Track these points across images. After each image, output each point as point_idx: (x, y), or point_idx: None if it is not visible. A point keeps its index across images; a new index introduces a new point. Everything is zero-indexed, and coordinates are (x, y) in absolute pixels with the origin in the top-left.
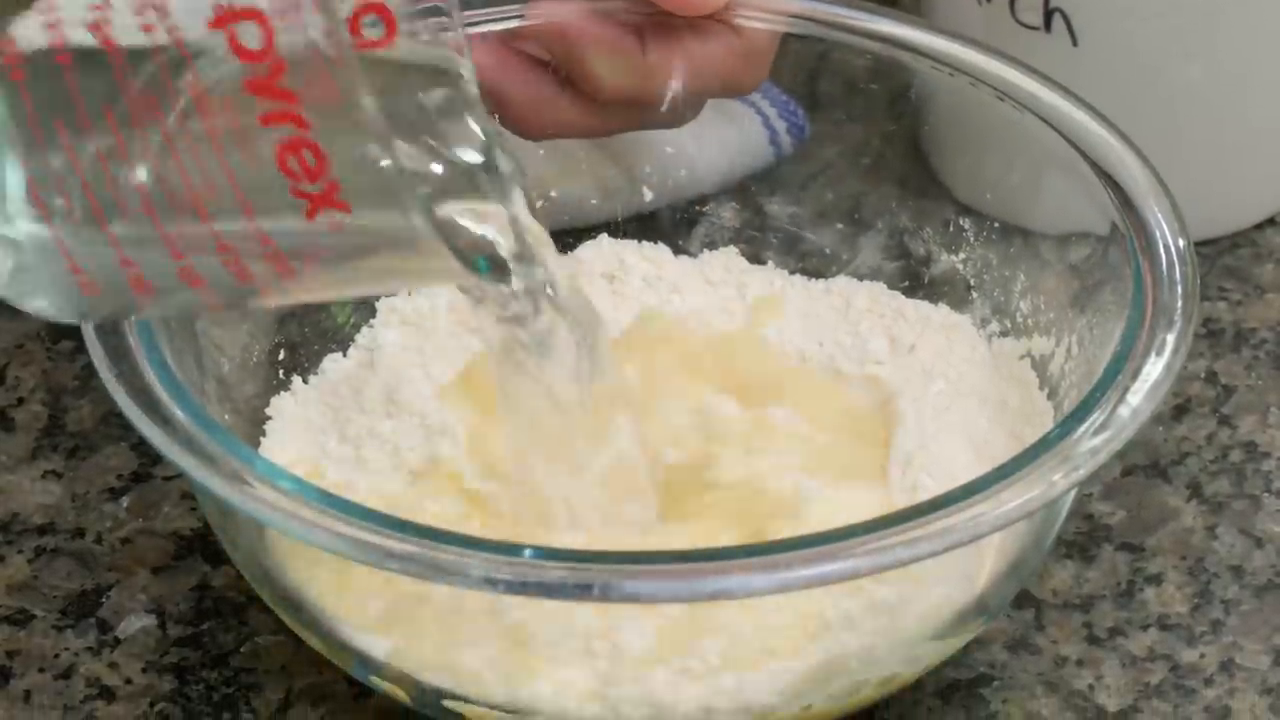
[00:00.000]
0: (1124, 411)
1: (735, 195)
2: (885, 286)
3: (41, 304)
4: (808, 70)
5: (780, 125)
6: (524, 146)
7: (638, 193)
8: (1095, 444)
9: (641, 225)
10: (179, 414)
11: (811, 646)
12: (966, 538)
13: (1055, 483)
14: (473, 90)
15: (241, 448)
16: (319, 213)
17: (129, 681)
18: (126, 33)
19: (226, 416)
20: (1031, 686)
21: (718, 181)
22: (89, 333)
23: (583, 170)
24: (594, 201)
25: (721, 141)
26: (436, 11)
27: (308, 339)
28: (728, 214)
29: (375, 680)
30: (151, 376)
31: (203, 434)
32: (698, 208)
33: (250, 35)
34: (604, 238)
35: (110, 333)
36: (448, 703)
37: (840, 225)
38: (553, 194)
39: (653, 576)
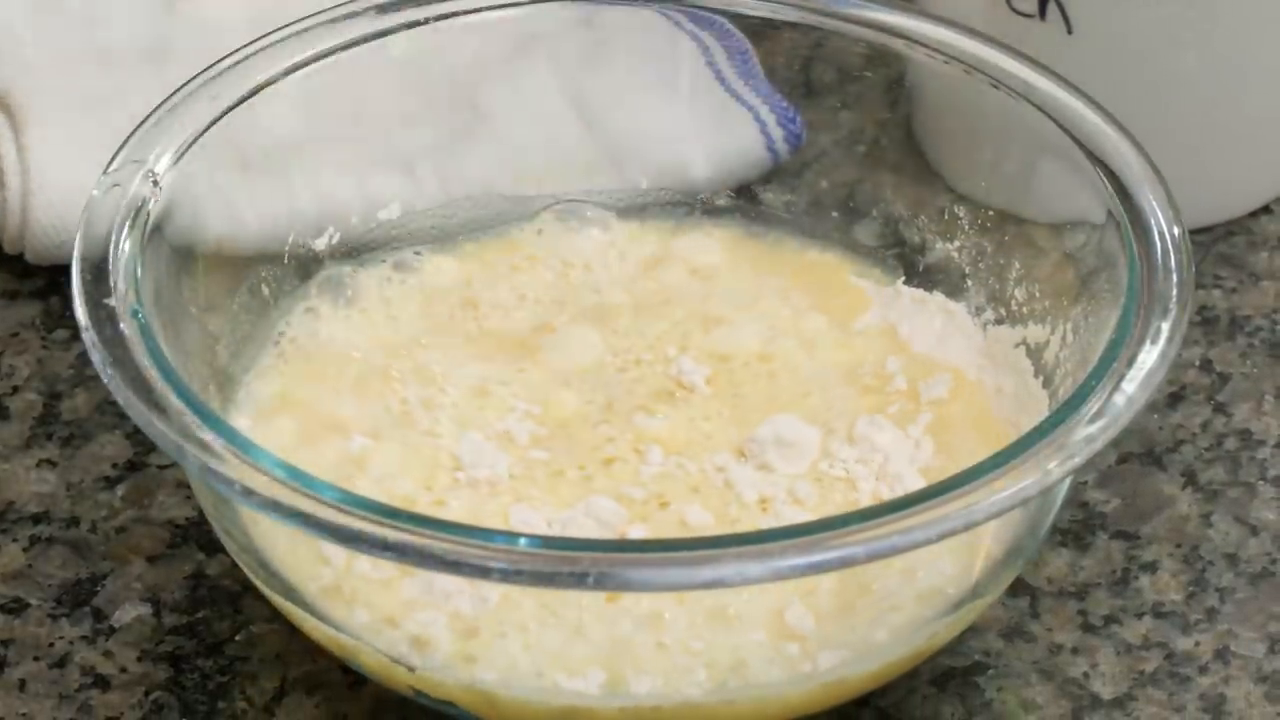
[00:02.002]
0: (1119, 399)
1: (729, 184)
2: (880, 273)
3: None
4: (802, 59)
5: (777, 133)
6: (520, 143)
7: (633, 189)
8: (1090, 432)
9: (635, 212)
10: (174, 402)
11: (804, 634)
12: (961, 526)
13: (1050, 471)
14: None
15: (237, 436)
16: None
17: (124, 670)
18: None
19: (225, 406)
20: (1026, 674)
21: (712, 185)
22: (83, 321)
23: (577, 166)
24: (588, 192)
25: (717, 148)
26: None
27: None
28: (722, 202)
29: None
30: (146, 365)
31: (197, 422)
32: (692, 195)
33: None
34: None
35: (105, 321)
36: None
37: (835, 213)
38: (547, 186)
39: (646, 565)
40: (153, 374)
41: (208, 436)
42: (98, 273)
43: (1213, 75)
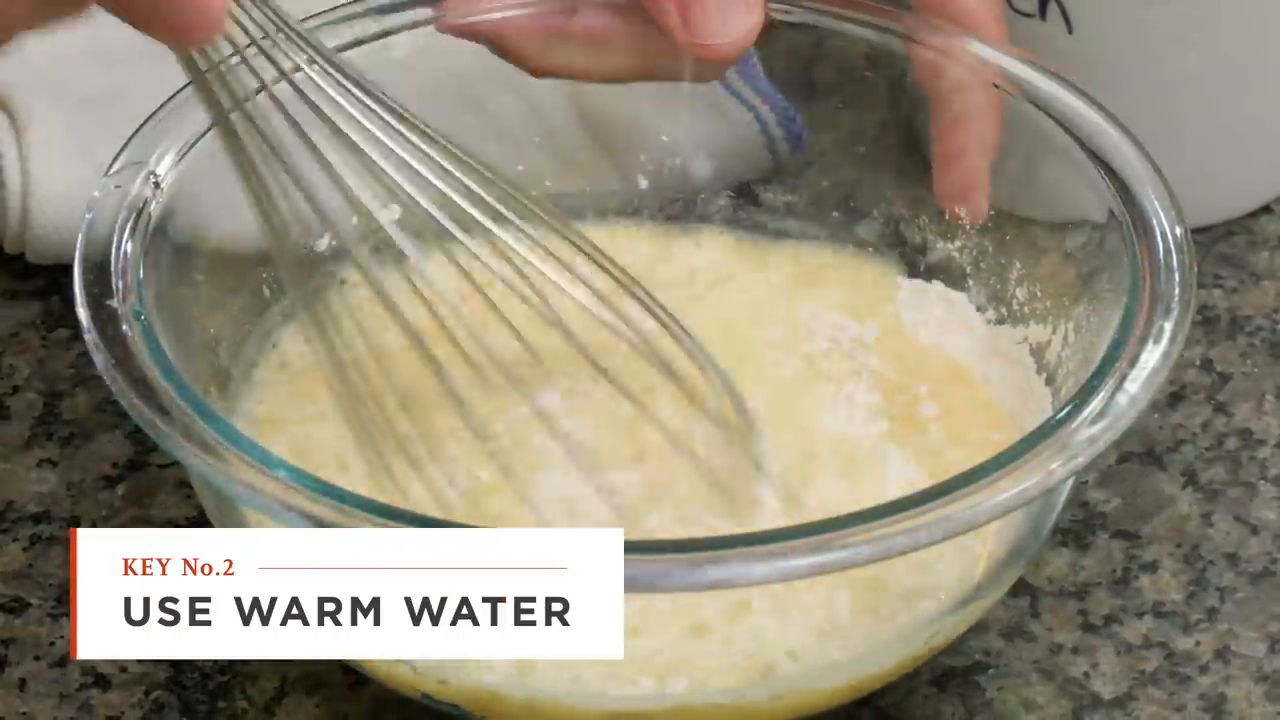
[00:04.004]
0: (1122, 399)
1: (730, 183)
2: (881, 273)
3: None
4: (803, 58)
5: (778, 133)
6: (521, 143)
7: (633, 188)
8: (1093, 432)
9: (635, 212)
10: (176, 402)
11: (807, 635)
12: (965, 526)
13: (1054, 471)
14: None
15: (239, 436)
16: None
17: (124, 670)
18: None
19: (227, 406)
20: (1027, 674)
21: (712, 184)
22: (86, 323)
23: (578, 165)
24: (588, 192)
25: (717, 146)
26: None
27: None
28: (722, 202)
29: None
30: (149, 367)
31: (199, 422)
32: (692, 194)
33: None
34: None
35: (107, 323)
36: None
37: (836, 213)
38: (547, 185)
39: (651, 565)
40: (156, 376)
41: (212, 439)
42: (100, 275)
43: (1213, 74)
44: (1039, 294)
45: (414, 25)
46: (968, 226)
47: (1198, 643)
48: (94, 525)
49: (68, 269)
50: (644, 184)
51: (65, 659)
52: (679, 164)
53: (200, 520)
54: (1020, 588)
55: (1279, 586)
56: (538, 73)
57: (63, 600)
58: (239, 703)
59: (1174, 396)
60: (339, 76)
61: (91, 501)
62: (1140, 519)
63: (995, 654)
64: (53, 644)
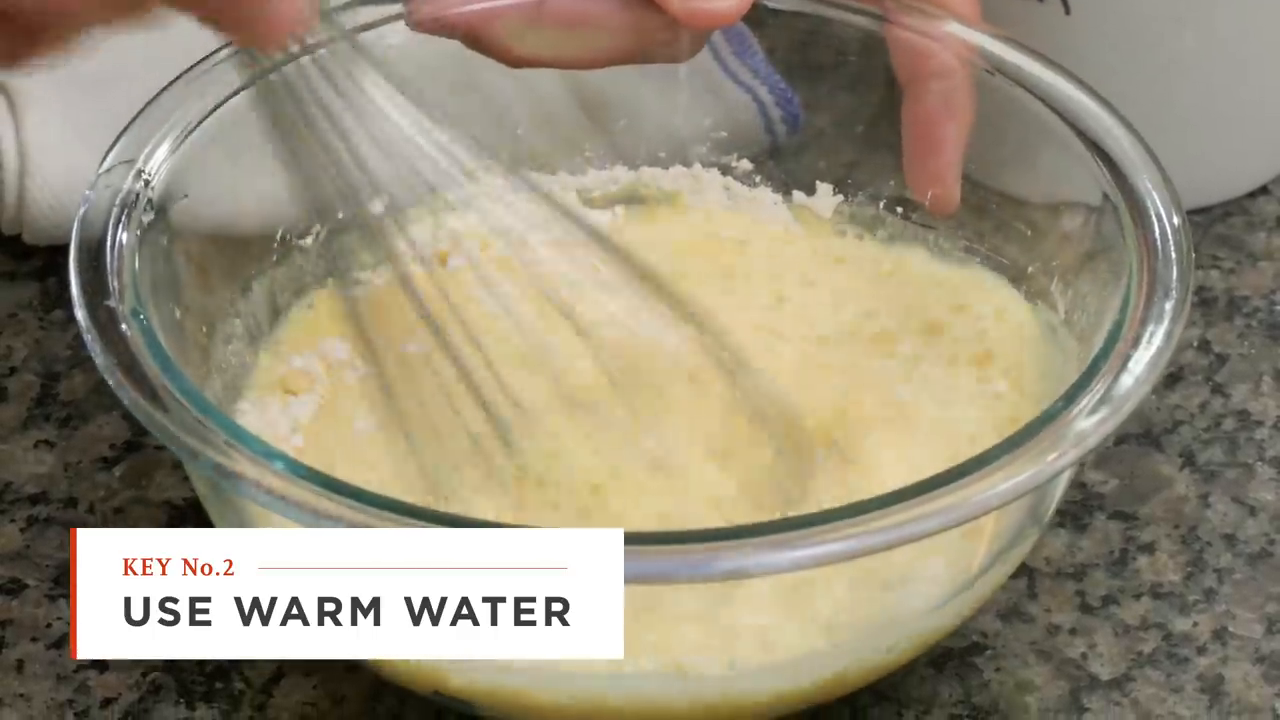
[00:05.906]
0: (1127, 380)
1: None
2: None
3: None
4: (800, 41)
5: (775, 114)
6: (518, 127)
7: (630, 170)
8: (1100, 416)
9: (631, 194)
10: (170, 389)
11: (813, 624)
12: (977, 511)
13: (1062, 455)
14: None
15: (234, 426)
16: None
17: None
18: None
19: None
20: (1024, 655)
21: (709, 166)
22: (84, 324)
23: (569, 144)
24: (580, 169)
25: (714, 129)
26: None
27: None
28: (720, 184)
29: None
30: (148, 364)
31: (193, 410)
32: (690, 176)
33: None
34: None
35: (105, 321)
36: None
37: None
38: (545, 169)
39: (664, 556)
40: (157, 374)
41: (202, 424)
42: (95, 274)
43: (1210, 56)
44: (1037, 275)
45: (400, 16)
46: (966, 208)
47: (1195, 624)
48: (91, 506)
49: (66, 250)
50: (641, 166)
51: (62, 640)
52: (676, 146)
53: (197, 502)
54: (1018, 569)
55: (1276, 568)
56: (514, 63)
57: (60, 581)
58: (236, 684)
59: (1171, 378)
60: None
61: (89, 483)
62: (1138, 500)
63: (993, 635)
64: (50, 625)
